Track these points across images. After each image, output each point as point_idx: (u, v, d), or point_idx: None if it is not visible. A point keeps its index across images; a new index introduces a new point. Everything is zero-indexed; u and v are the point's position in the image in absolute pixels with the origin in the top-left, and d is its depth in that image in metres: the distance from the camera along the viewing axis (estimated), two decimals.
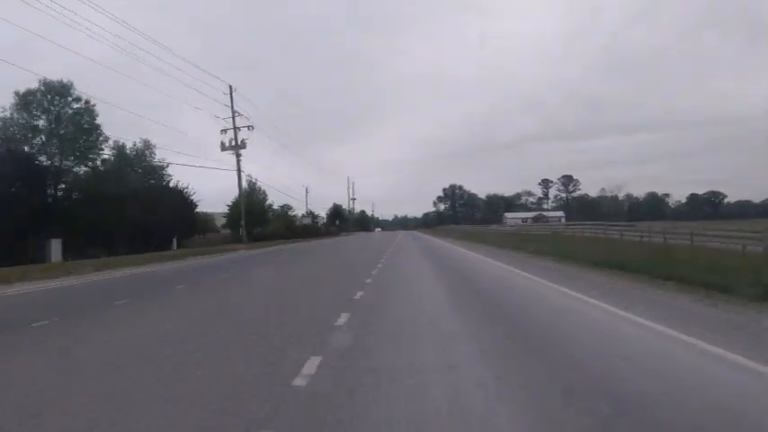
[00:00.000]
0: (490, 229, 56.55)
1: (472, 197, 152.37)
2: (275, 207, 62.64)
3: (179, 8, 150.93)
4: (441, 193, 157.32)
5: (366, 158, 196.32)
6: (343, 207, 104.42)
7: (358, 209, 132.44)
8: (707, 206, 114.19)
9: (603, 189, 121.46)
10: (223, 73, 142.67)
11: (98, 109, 28.86)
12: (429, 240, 38.51)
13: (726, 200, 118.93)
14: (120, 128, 71.46)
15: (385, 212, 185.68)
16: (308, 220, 70.60)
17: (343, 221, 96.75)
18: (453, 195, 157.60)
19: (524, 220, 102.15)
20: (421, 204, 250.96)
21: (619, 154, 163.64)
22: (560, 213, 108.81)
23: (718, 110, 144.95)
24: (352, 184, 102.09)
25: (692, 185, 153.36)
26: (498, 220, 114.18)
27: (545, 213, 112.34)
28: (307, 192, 73.19)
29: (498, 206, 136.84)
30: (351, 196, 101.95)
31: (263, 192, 59.85)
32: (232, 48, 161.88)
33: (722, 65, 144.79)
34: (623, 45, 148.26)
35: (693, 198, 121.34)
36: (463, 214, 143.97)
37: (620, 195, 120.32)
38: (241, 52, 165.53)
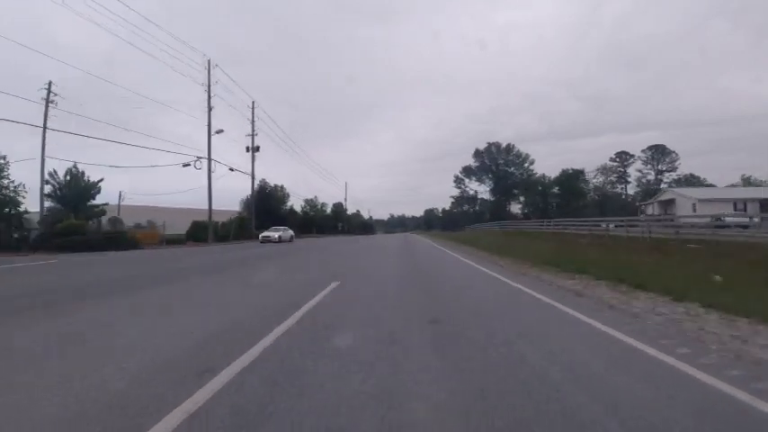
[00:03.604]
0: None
1: (522, 177, 78.67)
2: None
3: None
4: (472, 161, 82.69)
5: (362, 159, 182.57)
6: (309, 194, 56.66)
7: (332, 202, 79.27)
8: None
9: None
10: (217, 70, 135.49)
11: None
12: None
13: None
14: None
15: (379, 213, 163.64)
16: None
17: (269, 215, 44.47)
18: (496, 164, 77.96)
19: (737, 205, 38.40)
20: (417, 205, 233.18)
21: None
22: None
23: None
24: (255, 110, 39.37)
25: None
26: (598, 210, 64.11)
27: None
28: None
29: (566, 191, 72.22)
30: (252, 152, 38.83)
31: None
32: (224, 43, 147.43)
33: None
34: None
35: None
36: (480, 206, 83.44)
37: None
38: (240, 50, 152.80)
